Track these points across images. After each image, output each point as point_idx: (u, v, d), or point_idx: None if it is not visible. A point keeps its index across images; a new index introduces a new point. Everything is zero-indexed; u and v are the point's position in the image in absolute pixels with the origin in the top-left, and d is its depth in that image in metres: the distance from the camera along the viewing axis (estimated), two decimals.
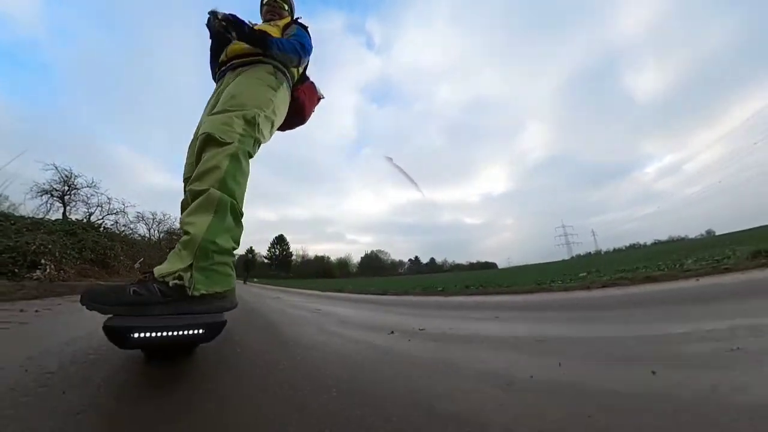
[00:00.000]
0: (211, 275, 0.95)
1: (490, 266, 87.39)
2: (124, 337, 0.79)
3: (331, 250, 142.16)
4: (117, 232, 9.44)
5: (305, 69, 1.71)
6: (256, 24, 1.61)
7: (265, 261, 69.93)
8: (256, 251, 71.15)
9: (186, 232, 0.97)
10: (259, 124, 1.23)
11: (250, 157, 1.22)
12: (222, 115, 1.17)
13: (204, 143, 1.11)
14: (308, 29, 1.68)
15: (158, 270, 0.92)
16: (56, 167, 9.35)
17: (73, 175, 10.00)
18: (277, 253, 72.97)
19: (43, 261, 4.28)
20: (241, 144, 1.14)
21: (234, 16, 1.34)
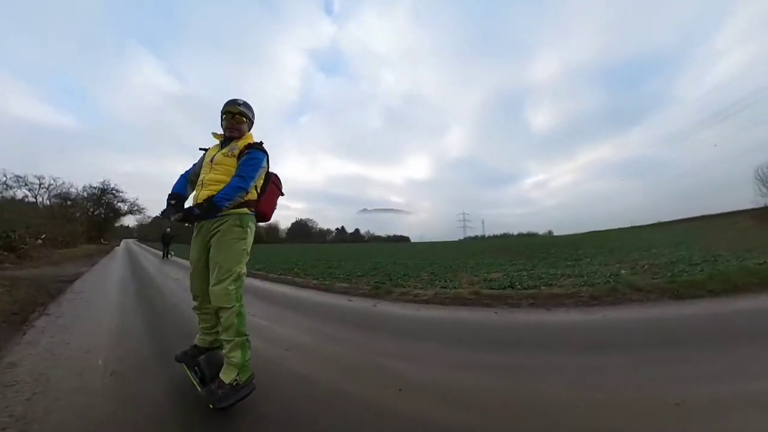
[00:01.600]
0: (245, 372, 1.68)
1: (404, 239, 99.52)
2: (224, 407, 1.57)
3: None
4: None
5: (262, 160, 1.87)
6: (222, 135, 1.97)
7: (186, 225, 64.92)
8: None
9: (231, 361, 1.67)
10: (242, 272, 1.80)
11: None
12: (221, 287, 1.70)
13: (219, 308, 1.74)
14: (262, 146, 1.91)
15: (225, 379, 1.63)
16: None
17: None
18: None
19: None
20: (237, 301, 1.73)
21: (181, 210, 1.78)
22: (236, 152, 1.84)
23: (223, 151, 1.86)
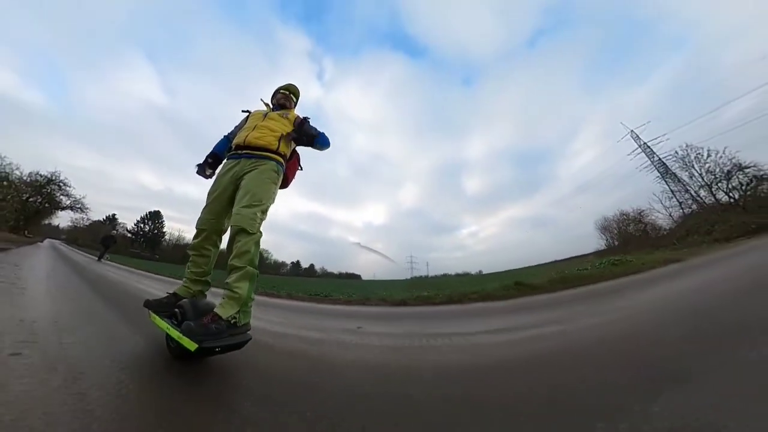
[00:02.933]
0: (246, 314, 1.51)
1: (355, 277, 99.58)
2: (213, 351, 1.35)
3: None
4: None
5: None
6: (269, 105, 2.20)
7: (128, 235, 60.58)
8: (119, 221, 63.90)
9: (236, 293, 1.48)
10: (267, 211, 1.75)
11: None
12: (250, 210, 1.62)
13: (237, 232, 1.59)
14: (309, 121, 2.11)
15: (222, 314, 1.41)
16: None
17: None
18: (147, 229, 64.20)
19: None
20: (258, 232, 1.63)
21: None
22: (289, 116, 2.05)
23: (278, 112, 2.05)
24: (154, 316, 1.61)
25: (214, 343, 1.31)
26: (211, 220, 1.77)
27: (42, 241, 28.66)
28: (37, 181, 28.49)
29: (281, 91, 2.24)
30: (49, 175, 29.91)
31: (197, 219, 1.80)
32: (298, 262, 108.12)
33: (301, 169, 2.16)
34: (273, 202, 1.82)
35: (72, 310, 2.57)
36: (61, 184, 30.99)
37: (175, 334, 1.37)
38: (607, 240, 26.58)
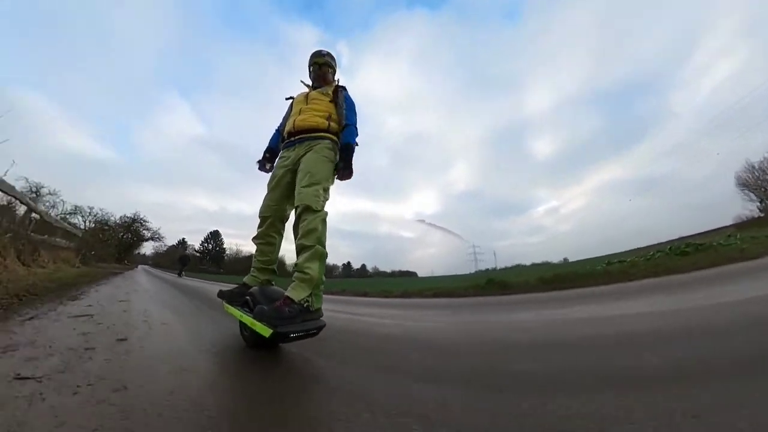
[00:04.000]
0: (318, 297, 1.46)
1: (410, 274, 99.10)
2: (287, 337, 1.28)
3: None
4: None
5: None
6: (309, 85, 2.13)
7: (197, 254, 70.17)
8: (188, 243, 73.49)
9: (307, 273, 1.44)
10: (329, 191, 1.72)
11: None
12: (312, 188, 1.60)
13: (303, 211, 1.58)
14: (346, 90, 2.02)
15: (295, 296, 1.37)
16: (27, 180, 13.20)
17: (39, 186, 15.99)
18: (210, 248, 74.44)
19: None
20: (324, 209, 1.62)
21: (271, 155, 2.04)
22: (329, 91, 1.99)
23: (319, 90, 2.02)
24: (227, 305, 1.69)
25: (289, 328, 1.25)
26: (273, 207, 1.80)
27: (136, 267, 34.71)
28: (125, 222, 38.36)
29: (311, 66, 2.14)
30: (133, 216, 39.67)
31: (259, 208, 1.83)
32: (348, 263, 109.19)
33: (357, 144, 2.03)
34: (333, 181, 1.79)
35: (174, 306, 3.52)
36: (141, 221, 40.93)
37: (248, 320, 1.38)
38: (762, 201, 16.44)
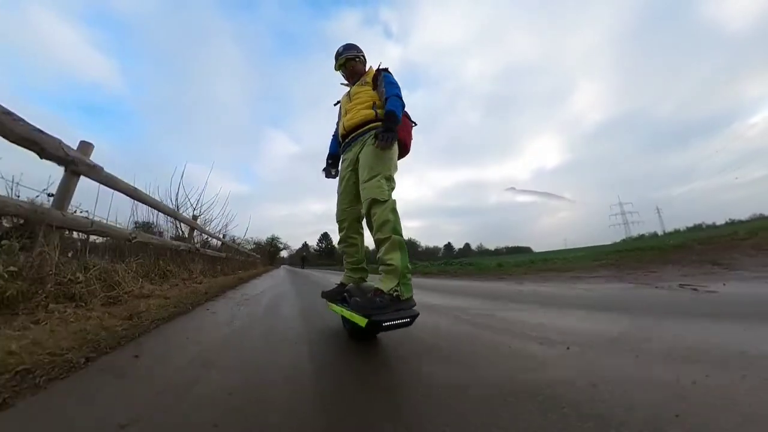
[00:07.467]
0: (407, 287, 1.45)
1: (523, 251, 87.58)
2: (381, 325, 1.31)
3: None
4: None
5: None
6: (357, 83, 1.99)
7: (314, 251, 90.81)
8: (309, 244, 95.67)
9: (390, 265, 1.47)
10: (392, 178, 1.71)
11: None
12: (373, 181, 1.62)
13: (371, 205, 1.60)
14: (389, 70, 1.93)
15: (383, 287, 1.43)
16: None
17: (226, 225, 25.16)
18: (323, 246, 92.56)
19: None
20: (391, 198, 1.61)
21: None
22: (368, 80, 1.94)
23: (358, 84, 1.98)
24: (330, 304, 1.84)
25: (381, 316, 1.31)
26: (347, 209, 1.87)
27: (278, 267, 47.86)
28: (270, 241, 61.78)
29: (338, 66, 2.12)
30: (271, 237, 63.89)
31: (335, 213, 1.92)
32: (449, 243, 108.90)
33: (416, 124, 2.03)
34: (396, 169, 1.77)
35: (298, 290, 4.77)
36: (277, 239, 66.69)
37: (347, 313, 1.49)
38: None
